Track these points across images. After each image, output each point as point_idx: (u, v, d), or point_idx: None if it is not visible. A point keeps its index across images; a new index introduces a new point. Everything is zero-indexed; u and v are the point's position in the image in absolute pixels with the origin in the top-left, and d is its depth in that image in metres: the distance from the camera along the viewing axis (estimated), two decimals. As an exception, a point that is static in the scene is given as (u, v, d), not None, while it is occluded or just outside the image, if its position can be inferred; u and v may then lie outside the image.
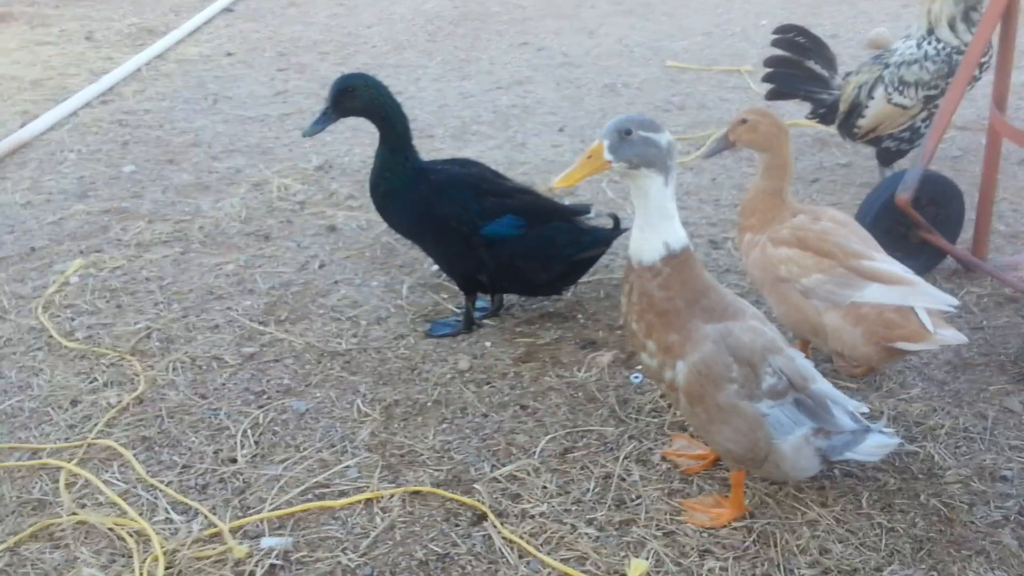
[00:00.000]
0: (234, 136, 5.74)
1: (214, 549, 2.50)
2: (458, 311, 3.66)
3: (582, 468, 2.80)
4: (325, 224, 4.47)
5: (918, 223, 3.55)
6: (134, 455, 2.87)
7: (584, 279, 3.88)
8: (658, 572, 2.39)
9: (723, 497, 2.62)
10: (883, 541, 2.46)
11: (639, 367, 3.27)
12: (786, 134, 2.96)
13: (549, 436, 2.94)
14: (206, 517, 2.62)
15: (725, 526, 2.53)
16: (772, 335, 2.42)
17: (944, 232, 3.65)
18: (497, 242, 3.35)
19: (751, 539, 2.49)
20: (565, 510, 2.63)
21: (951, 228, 3.73)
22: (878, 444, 2.47)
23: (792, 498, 2.63)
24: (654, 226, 2.31)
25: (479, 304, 3.66)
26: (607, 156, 2.25)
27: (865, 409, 2.54)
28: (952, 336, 2.68)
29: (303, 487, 2.74)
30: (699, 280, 2.38)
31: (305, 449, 2.91)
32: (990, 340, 3.34)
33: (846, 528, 2.52)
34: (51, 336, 3.52)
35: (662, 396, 3.06)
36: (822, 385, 2.46)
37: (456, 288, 3.71)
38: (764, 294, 3.07)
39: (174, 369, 3.32)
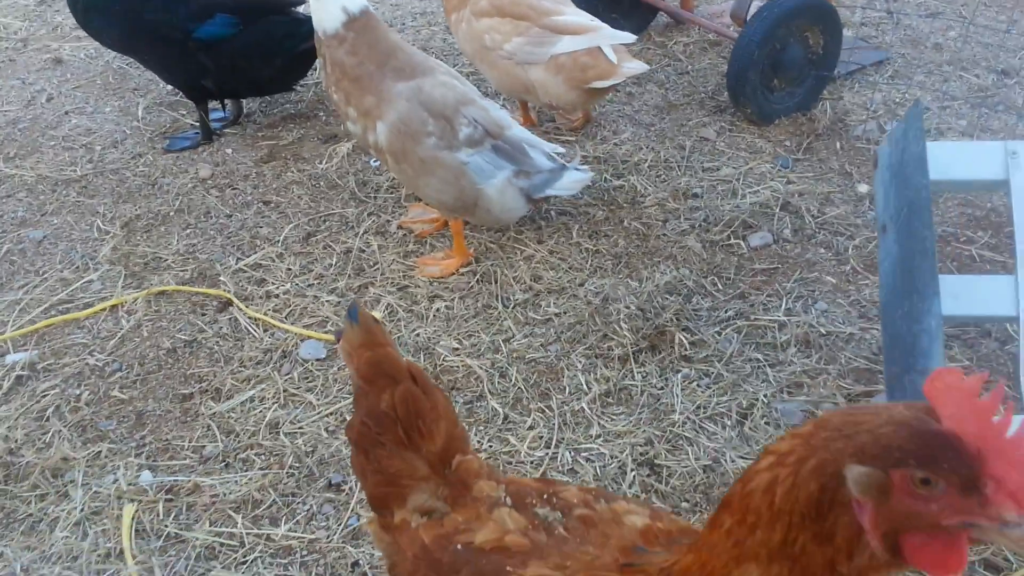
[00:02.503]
0: (-60, -20, 5.22)
1: (-45, 373, 2.52)
2: (197, 125, 3.63)
3: (324, 247, 2.95)
4: (51, 58, 4.23)
5: (626, -19, 3.75)
6: None
7: (324, 78, 3.91)
8: (393, 320, 2.61)
9: (449, 250, 2.84)
10: (588, 262, 2.77)
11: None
12: None
13: (292, 224, 3.05)
14: (-55, 347, 2.62)
15: (454, 273, 2.76)
16: (464, 88, 2.58)
17: (654, -10, 3.87)
18: (213, 44, 3.30)
19: (475, 280, 2.74)
20: (308, 285, 2.79)
21: (661, -14, 3.96)
22: (574, 179, 2.71)
23: (513, 240, 2.88)
24: None
25: (216, 115, 3.63)
26: None
27: (561, 150, 2.77)
28: (635, 66, 2.96)
29: (45, 306, 2.76)
30: (385, 41, 2.47)
31: (45, 272, 2.91)
32: (693, 82, 3.65)
33: (558, 257, 2.80)
34: None
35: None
36: (518, 131, 2.66)
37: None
38: (477, 65, 3.22)
39: None
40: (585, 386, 2.34)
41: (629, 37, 2.96)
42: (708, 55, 3.82)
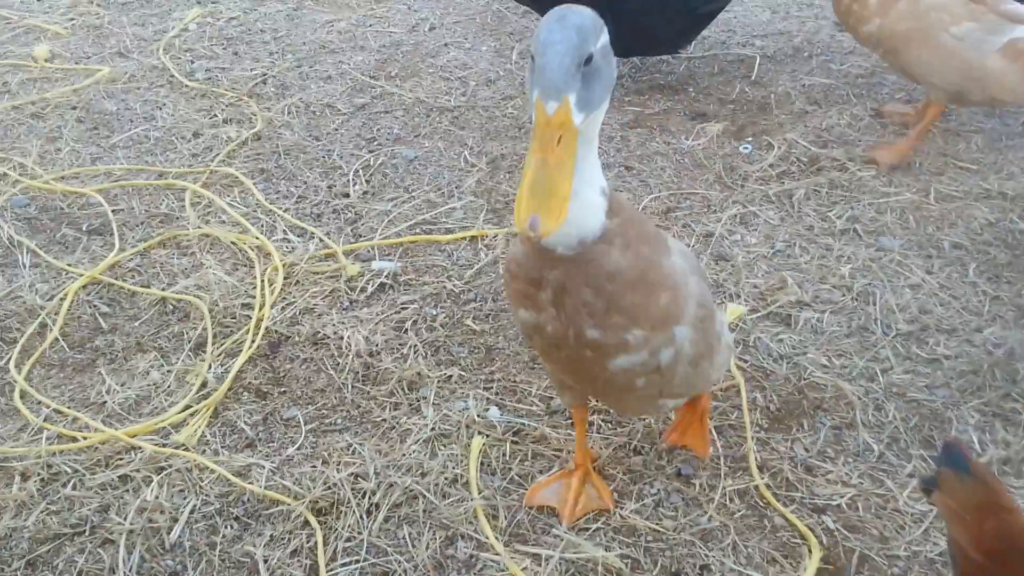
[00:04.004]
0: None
1: (329, 266, 2.64)
2: (567, 78, 3.61)
3: (684, 226, 2.81)
4: (436, -11, 4.40)
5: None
6: (253, 184, 3.01)
7: (698, 54, 3.78)
8: (752, 319, 2.44)
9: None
10: (986, 307, 2.44)
11: (749, 139, 3.21)
12: None
13: (652, 195, 2.95)
14: (321, 240, 2.75)
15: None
16: None
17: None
18: (617, 2, 3.24)
19: (850, 297, 2.50)
20: (664, 261, 2.67)
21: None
22: None
23: (896, 264, 2.60)
24: (588, 178, 1.38)
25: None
26: (577, 119, 1.25)
27: None
28: None
29: (411, 222, 2.84)
30: (633, 207, 1.53)
31: (413, 191, 3.00)
32: None
33: (949, 294, 2.49)
34: (172, 75, 3.62)
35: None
36: None
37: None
38: (910, 48, 2.86)
39: (289, 112, 3.41)
40: (978, 445, 2.05)
41: None
42: None
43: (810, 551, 1.80)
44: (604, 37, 1.29)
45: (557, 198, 1.20)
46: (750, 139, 3.20)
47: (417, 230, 2.81)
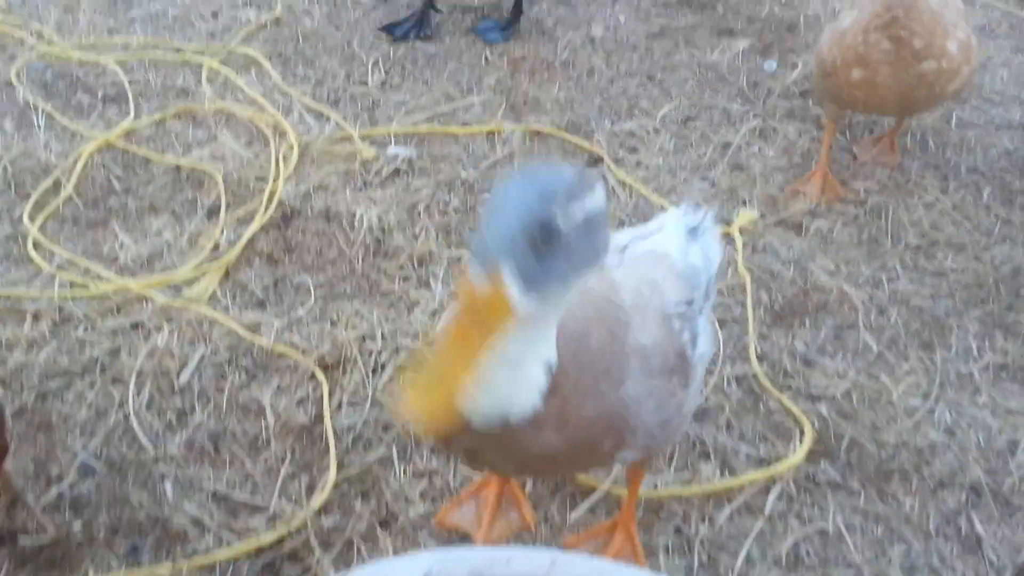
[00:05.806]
0: None
1: (344, 148, 2.64)
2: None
3: (702, 135, 2.81)
4: None
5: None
6: (271, 67, 2.99)
7: (728, -27, 3.74)
8: (765, 224, 2.45)
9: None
10: (997, 229, 2.45)
11: (775, 57, 3.19)
12: None
13: (673, 104, 2.93)
14: (337, 124, 2.75)
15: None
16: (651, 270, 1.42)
17: None
18: None
19: (863, 210, 2.50)
20: (680, 166, 2.67)
21: None
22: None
23: (913, 184, 2.60)
24: (525, 353, 1.11)
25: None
26: (523, 303, 1.01)
27: None
28: None
29: (429, 113, 2.83)
30: (590, 337, 1.22)
31: (432, 83, 2.98)
32: None
33: (961, 214, 2.50)
34: (195, -43, 3.59)
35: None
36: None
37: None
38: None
39: (310, 0, 3.38)
40: (976, 352, 2.07)
41: None
42: None
43: (802, 432, 1.84)
44: (588, 203, 1.04)
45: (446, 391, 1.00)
46: (776, 58, 3.18)
47: (435, 122, 2.81)
